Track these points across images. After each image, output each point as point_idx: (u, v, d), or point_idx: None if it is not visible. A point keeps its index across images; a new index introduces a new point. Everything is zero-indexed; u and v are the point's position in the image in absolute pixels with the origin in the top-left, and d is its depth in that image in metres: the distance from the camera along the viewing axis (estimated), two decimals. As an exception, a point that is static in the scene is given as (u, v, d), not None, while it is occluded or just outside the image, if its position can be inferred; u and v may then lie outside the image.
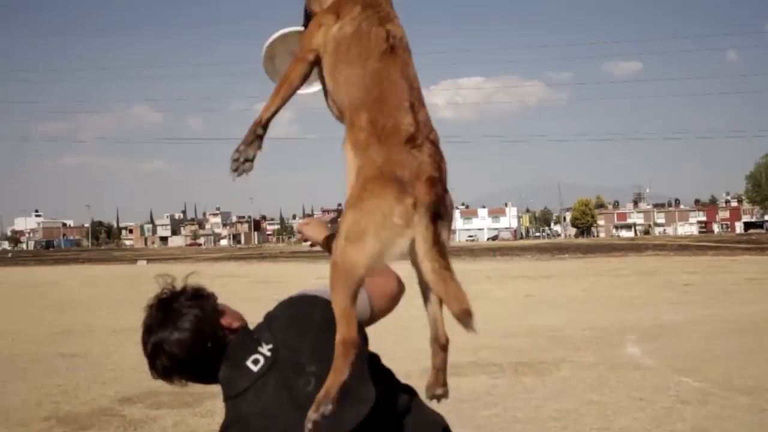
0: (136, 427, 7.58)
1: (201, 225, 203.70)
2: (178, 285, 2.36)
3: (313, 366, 2.14)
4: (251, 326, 2.32)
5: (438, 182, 2.10)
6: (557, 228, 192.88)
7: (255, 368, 2.16)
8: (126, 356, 12.04)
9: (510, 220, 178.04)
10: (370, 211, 2.04)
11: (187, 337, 2.18)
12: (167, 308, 2.24)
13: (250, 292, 26.04)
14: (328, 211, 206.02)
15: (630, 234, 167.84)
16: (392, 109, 2.11)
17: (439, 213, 2.09)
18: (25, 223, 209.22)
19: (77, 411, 8.37)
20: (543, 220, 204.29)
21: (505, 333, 13.73)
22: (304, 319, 2.25)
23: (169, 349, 2.19)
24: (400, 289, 2.69)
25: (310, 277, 33.88)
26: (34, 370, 10.98)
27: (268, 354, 2.17)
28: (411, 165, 2.07)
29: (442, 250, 2.09)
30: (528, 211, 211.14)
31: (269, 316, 2.31)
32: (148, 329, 2.23)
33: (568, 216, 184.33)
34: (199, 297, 2.30)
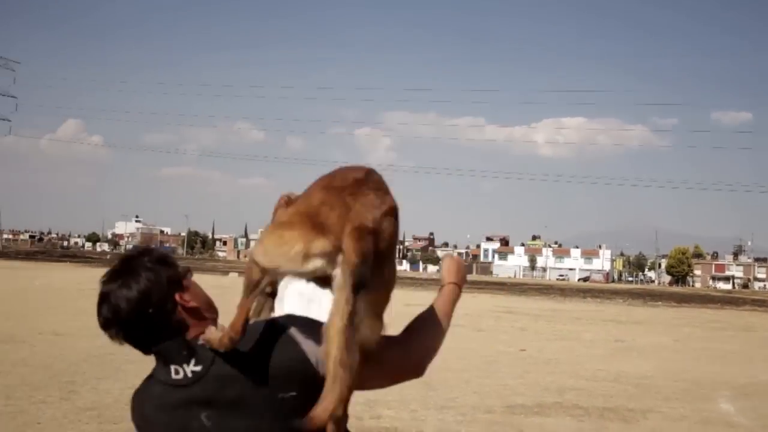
0: None
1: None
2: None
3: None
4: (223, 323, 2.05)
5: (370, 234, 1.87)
6: (651, 274, 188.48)
7: (173, 376, 2.02)
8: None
9: (603, 262, 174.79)
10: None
11: (132, 296, 2.04)
12: (127, 264, 2.11)
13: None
14: (419, 239, 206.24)
15: (728, 287, 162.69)
16: None
17: (363, 282, 1.82)
18: (125, 228, 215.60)
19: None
20: (637, 265, 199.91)
21: (592, 376, 13.50)
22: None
23: (114, 301, 2.04)
24: (412, 374, 2.25)
25: (396, 303, 33.91)
26: (127, 371, 11.27)
27: (189, 375, 2.01)
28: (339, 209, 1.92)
29: (349, 337, 1.79)
30: (622, 254, 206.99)
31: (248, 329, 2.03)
32: (104, 279, 2.14)
33: (664, 263, 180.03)
34: (163, 263, 2.14)
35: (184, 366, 2.00)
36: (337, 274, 1.84)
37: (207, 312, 2.14)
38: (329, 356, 1.77)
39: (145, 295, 2.04)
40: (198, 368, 1.99)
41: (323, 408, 1.75)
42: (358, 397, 7.71)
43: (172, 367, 2.02)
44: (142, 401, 2.09)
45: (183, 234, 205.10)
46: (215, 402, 1.97)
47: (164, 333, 2.05)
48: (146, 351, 2.09)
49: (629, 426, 9.39)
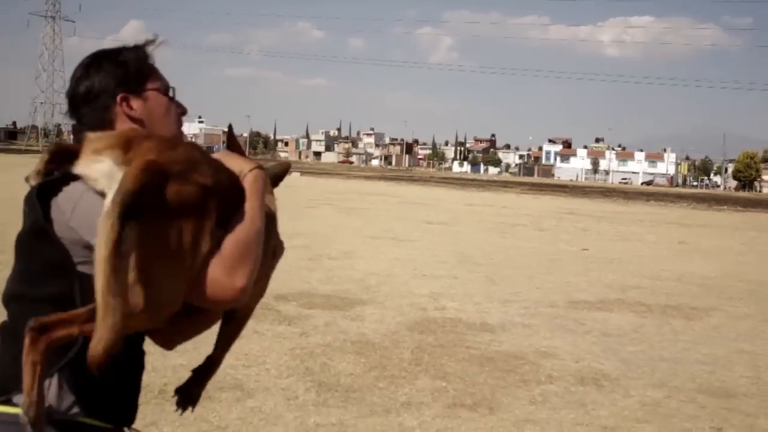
0: (290, 322, 7.94)
1: (354, 143, 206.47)
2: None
3: None
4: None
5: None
6: (717, 179, 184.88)
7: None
8: (281, 260, 12.53)
9: (667, 166, 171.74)
10: None
11: (81, 74, 1.98)
12: (101, 55, 2.01)
13: (399, 211, 26.46)
14: (480, 141, 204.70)
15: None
16: None
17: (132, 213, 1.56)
18: (189, 128, 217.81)
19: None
20: (702, 169, 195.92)
21: (655, 276, 13.47)
22: None
23: (74, 73, 1.99)
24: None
25: (458, 203, 34.06)
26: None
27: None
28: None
29: (116, 264, 1.54)
30: (687, 158, 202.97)
31: None
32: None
33: (730, 168, 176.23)
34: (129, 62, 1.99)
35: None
36: (109, 196, 1.61)
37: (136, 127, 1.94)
38: (96, 288, 1.54)
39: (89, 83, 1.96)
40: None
41: (97, 341, 1.53)
42: (422, 289, 7.89)
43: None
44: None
45: (245, 135, 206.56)
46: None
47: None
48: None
49: (691, 323, 9.42)
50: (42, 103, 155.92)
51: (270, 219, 1.90)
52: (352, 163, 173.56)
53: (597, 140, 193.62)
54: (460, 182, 68.51)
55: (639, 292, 11.44)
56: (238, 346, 6.52)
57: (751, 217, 40.54)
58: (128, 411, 1.93)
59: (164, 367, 5.60)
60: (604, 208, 38.74)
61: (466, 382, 6.17)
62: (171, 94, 2.04)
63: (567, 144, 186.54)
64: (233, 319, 2.01)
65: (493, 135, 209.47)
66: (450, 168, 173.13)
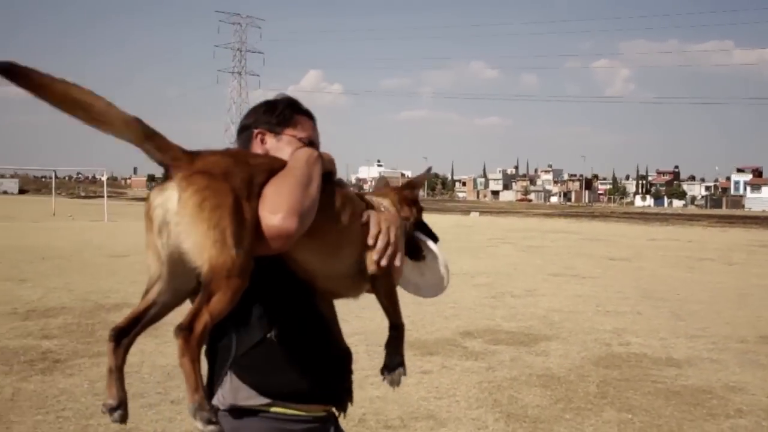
0: (477, 358, 8.26)
1: (532, 181, 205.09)
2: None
3: None
4: None
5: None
6: None
7: None
8: (465, 297, 12.90)
9: None
10: None
11: (245, 114, 2.53)
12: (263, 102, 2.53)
13: (580, 248, 26.26)
14: (663, 173, 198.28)
15: None
16: None
17: None
18: (368, 172, 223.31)
19: (424, 339, 9.26)
20: None
21: None
22: None
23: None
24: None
25: (641, 238, 33.30)
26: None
27: None
28: None
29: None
30: None
31: None
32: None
33: None
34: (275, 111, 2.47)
35: None
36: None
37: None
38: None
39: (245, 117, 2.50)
40: None
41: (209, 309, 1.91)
42: (605, 325, 8.02)
43: None
44: None
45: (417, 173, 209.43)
46: None
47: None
48: None
49: None
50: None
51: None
52: (530, 200, 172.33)
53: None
54: (643, 217, 66.71)
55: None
56: (428, 380, 6.94)
57: None
58: (316, 392, 2.29)
59: (362, 399, 6.06)
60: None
61: (651, 414, 6.27)
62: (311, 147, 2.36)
63: (758, 173, 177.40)
64: (375, 290, 2.36)
65: (676, 167, 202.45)
66: (632, 202, 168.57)
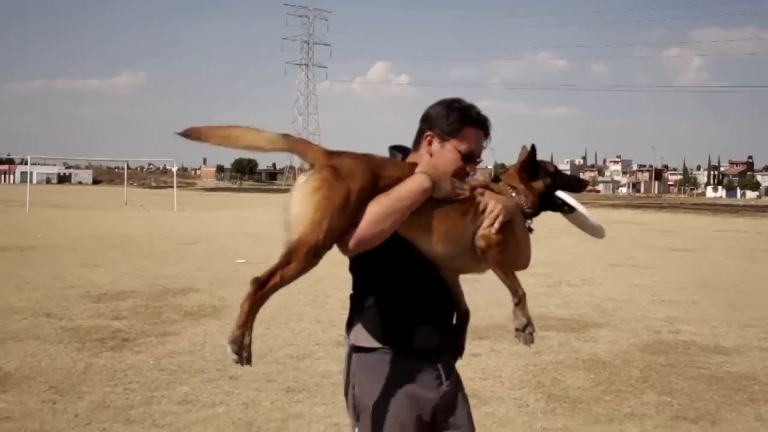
0: (526, 343, 8.47)
1: (600, 172, 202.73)
2: None
3: None
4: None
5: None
6: None
7: None
8: (522, 285, 13.08)
9: None
10: None
11: (431, 105, 2.94)
12: (449, 102, 2.90)
13: (644, 238, 26.12)
14: (736, 164, 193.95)
15: None
16: None
17: None
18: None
19: (477, 324, 9.49)
20: None
21: None
22: None
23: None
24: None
25: (707, 229, 32.89)
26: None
27: None
28: None
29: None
30: None
31: None
32: None
33: None
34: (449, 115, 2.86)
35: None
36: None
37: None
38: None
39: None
40: None
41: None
42: (658, 314, 8.17)
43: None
44: None
45: (489, 167, 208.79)
46: None
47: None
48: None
49: None
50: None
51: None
52: (598, 191, 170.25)
53: None
54: (712, 208, 65.52)
55: None
56: (476, 362, 7.20)
57: None
58: (424, 343, 2.79)
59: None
60: None
61: (691, 398, 6.44)
62: (469, 158, 2.86)
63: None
64: (488, 263, 2.79)
65: (750, 157, 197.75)
66: (703, 193, 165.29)
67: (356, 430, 2.80)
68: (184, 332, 8.68)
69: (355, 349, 2.82)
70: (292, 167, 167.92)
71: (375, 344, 2.76)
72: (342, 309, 10.17)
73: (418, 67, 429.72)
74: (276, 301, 9.40)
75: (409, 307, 2.76)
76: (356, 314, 2.83)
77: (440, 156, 2.81)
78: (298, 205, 2.42)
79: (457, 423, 2.87)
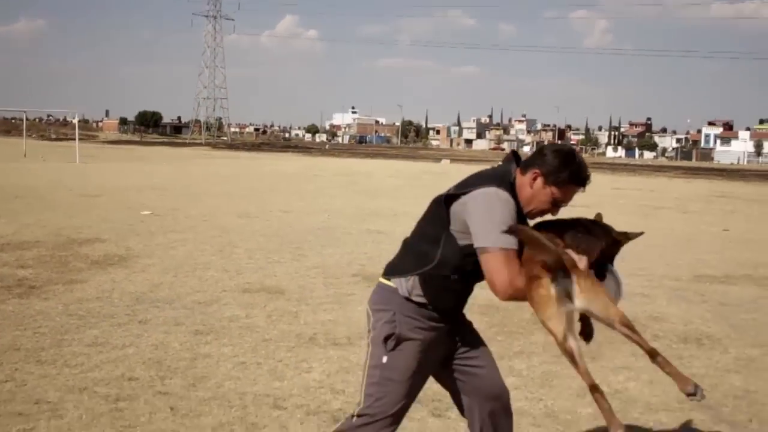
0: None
1: (506, 130, 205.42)
2: None
3: None
4: None
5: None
6: None
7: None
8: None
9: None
10: None
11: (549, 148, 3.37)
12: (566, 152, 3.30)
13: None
14: (635, 125, 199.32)
15: None
16: None
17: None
18: (342, 119, 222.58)
19: (379, 273, 9.86)
20: None
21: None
22: None
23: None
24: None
25: (606, 187, 34.09)
26: (346, 241, 12.77)
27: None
28: None
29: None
30: None
31: None
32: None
33: None
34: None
35: None
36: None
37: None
38: None
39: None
40: None
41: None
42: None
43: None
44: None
45: (397, 124, 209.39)
46: None
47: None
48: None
49: (815, 296, 9.73)
50: (205, 98, 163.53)
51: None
52: (503, 149, 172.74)
53: (761, 121, 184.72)
54: (612, 167, 67.55)
55: (770, 269, 11.72)
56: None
57: None
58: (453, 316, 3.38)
59: (314, 321, 6.65)
60: (761, 191, 37.73)
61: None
62: (557, 204, 3.26)
63: (728, 126, 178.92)
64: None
65: (648, 119, 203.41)
66: (603, 153, 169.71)
67: (385, 358, 3.25)
68: (91, 280, 8.79)
69: (405, 298, 3.26)
70: (197, 121, 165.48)
71: (424, 301, 3.25)
72: (248, 258, 10.47)
73: (327, 21, 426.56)
74: (183, 251, 9.71)
75: (457, 290, 3.32)
76: (416, 270, 3.25)
77: (538, 193, 3.18)
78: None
79: (480, 363, 3.49)
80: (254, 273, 9.59)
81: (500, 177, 3.19)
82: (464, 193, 3.15)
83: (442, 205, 3.21)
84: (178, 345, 6.30)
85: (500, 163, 3.33)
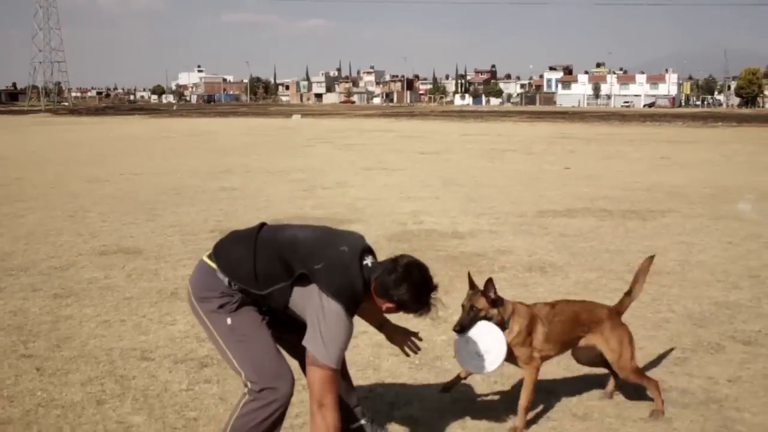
0: (284, 240, 9.07)
1: (355, 83, 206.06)
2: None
3: None
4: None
5: None
6: (720, 97, 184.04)
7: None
8: (277, 191, 13.69)
9: (669, 87, 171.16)
10: None
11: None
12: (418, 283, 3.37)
13: (395, 144, 27.49)
14: (481, 72, 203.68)
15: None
16: None
17: None
18: (189, 78, 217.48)
19: (235, 227, 9.93)
20: (706, 88, 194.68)
21: (627, 187, 14.53)
22: None
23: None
24: None
25: (454, 134, 34.99)
26: (200, 199, 12.74)
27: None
28: None
29: None
30: (690, 78, 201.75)
31: None
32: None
33: (734, 85, 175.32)
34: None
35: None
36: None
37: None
38: None
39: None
40: None
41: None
42: (404, 209, 9.05)
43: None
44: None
45: (245, 81, 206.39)
46: None
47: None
48: None
49: (645, 223, 10.51)
50: (41, 62, 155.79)
51: None
52: (353, 102, 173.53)
53: (598, 65, 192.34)
54: (460, 115, 69.19)
55: (606, 201, 12.51)
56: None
57: (742, 131, 41.31)
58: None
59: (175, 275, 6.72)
60: (599, 131, 39.53)
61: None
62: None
63: (568, 71, 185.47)
64: None
65: (493, 66, 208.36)
66: (452, 101, 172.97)
67: (229, 320, 3.32)
68: (-63, 253, 8.51)
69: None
70: (35, 87, 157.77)
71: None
72: (101, 222, 10.34)
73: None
74: (33, 218, 9.52)
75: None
76: (242, 283, 3.32)
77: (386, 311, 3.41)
78: None
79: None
80: (109, 235, 9.51)
81: (351, 290, 3.26)
82: (319, 285, 3.21)
83: (295, 271, 3.26)
84: (38, 309, 6.25)
85: (346, 247, 3.35)
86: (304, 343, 3.19)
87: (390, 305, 3.31)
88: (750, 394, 4.45)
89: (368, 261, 3.33)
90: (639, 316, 5.86)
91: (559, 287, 6.90)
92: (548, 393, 4.42)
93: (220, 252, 3.39)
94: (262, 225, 3.51)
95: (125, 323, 5.84)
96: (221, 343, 3.33)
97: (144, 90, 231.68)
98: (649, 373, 4.54)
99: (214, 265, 3.34)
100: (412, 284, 3.27)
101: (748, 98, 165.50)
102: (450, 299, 6.44)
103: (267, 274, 3.27)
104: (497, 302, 3.97)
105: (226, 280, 3.30)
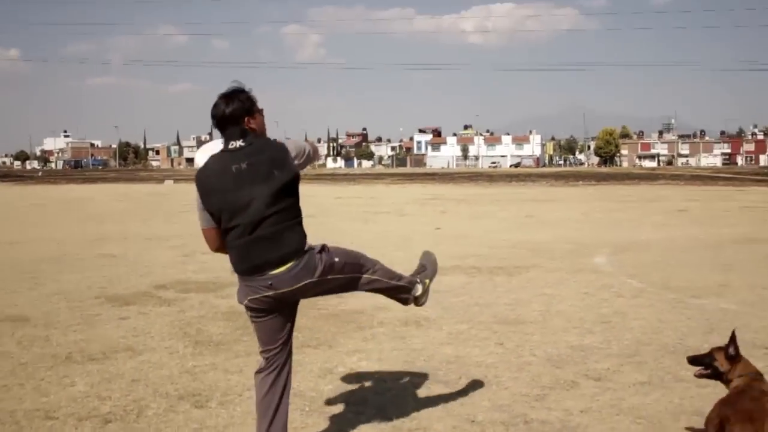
0: (170, 304, 9.38)
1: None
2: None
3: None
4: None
5: None
6: (581, 157, 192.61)
7: (229, 146, 4.19)
8: (157, 257, 13.91)
9: (534, 147, 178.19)
10: None
11: (227, 108, 4.16)
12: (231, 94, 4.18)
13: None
14: (353, 135, 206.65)
15: (653, 164, 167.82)
16: None
17: None
18: (54, 143, 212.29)
19: (121, 293, 10.19)
20: (567, 148, 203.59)
21: (494, 245, 15.43)
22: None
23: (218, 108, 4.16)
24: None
25: (328, 197, 35.65)
26: (81, 266, 12.84)
27: (239, 145, 4.15)
28: None
29: None
30: (553, 139, 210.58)
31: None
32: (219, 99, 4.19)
33: (593, 145, 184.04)
34: (249, 100, 4.23)
35: (238, 142, 4.11)
36: None
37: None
38: None
39: (235, 109, 4.14)
40: (245, 143, 4.12)
41: None
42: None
43: (230, 143, 4.12)
44: (207, 160, 4.19)
45: (114, 146, 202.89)
46: (252, 157, 4.10)
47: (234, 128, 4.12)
48: (222, 132, 4.18)
49: (511, 278, 11.30)
50: None
51: None
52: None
53: (465, 127, 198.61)
54: (333, 178, 70.32)
55: (476, 259, 13.29)
56: (126, 323, 7.94)
57: (600, 189, 43.72)
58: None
59: (67, 342, 6.97)
60: (468, 192, 41.11)
61: (313, 331, 7.78)
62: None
63: (437, 133, 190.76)
64: None
65: (364, 129, 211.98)
66: (324, 165, 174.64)
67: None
68: None
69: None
70: None
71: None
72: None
73: (29, 40, 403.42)
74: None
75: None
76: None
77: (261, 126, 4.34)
78: None
79: None
80: (-8, 305, 9.58)
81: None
82: None
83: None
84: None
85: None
86: None
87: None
88: (598, 421, 5.11)
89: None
90: (504, 361, 6.53)
91: (434, 338, 7.50)
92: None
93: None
94: None
95: (24, 387, 6.04)
96: (345, 256, 4.58)
97: (6, 155, 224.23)
98: (511, 408, 5.16)
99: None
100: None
101: (607, 157, 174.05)
102: (333, 353, 6.98)
103: None
104: (734, 358, 4.09)
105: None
